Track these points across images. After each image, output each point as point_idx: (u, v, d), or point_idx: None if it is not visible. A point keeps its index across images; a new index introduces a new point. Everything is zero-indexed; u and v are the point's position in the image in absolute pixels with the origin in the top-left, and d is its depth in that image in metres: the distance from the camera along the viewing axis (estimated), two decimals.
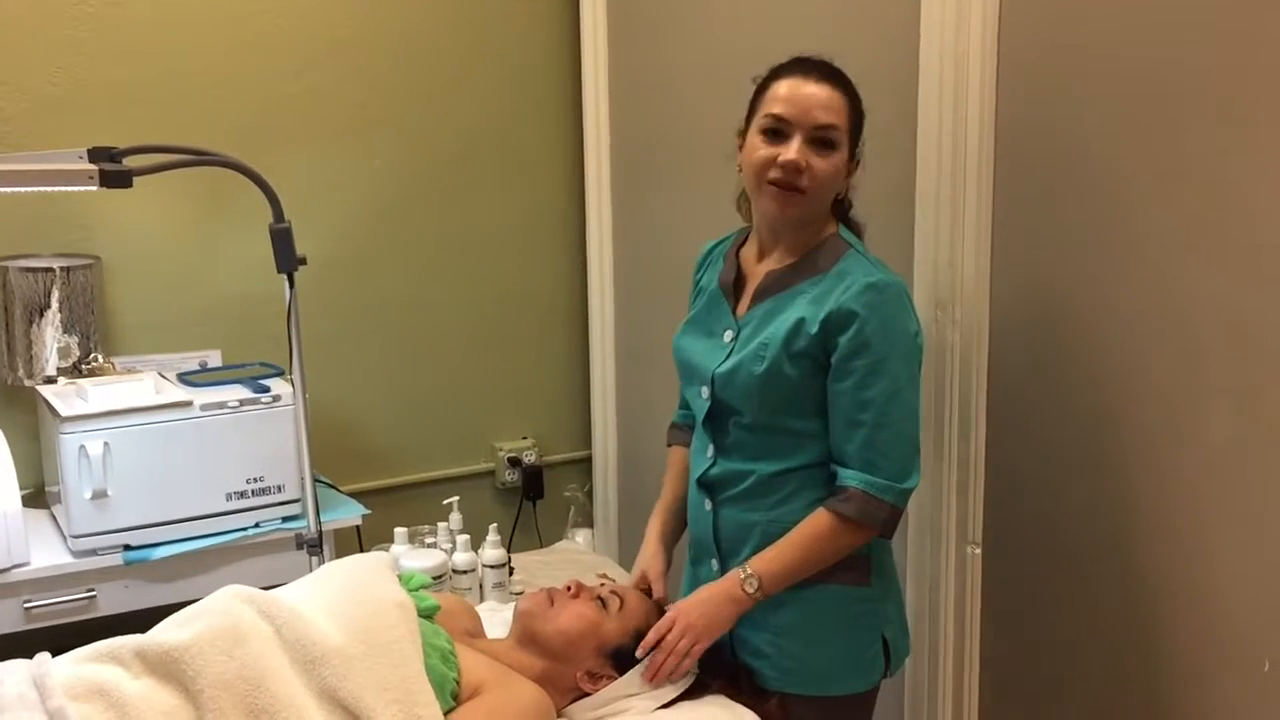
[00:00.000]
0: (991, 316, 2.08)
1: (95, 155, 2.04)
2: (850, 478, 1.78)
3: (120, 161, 2.05)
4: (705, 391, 1.92)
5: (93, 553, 2.43)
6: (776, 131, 1.81)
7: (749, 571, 1.81)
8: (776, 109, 1.81)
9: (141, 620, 2.34)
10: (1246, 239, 1.69)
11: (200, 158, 2.05)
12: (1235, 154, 1.69)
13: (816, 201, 1.84)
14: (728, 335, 1.92)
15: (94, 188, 1.92)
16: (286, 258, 2.13)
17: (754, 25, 2.63)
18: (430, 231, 3.23)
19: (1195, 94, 1.73)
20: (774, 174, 1.81)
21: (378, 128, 3.12)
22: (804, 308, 1.81)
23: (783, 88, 1.82)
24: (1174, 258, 1.79)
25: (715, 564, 1.95)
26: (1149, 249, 1.82)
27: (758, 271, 1.94)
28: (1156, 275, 1.82)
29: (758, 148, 1.83)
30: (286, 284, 2.15)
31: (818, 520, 1.80)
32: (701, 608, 1.82)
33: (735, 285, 1.96)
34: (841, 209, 1.94)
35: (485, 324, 3.33)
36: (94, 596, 2.45)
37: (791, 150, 1.79)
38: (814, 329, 1.78)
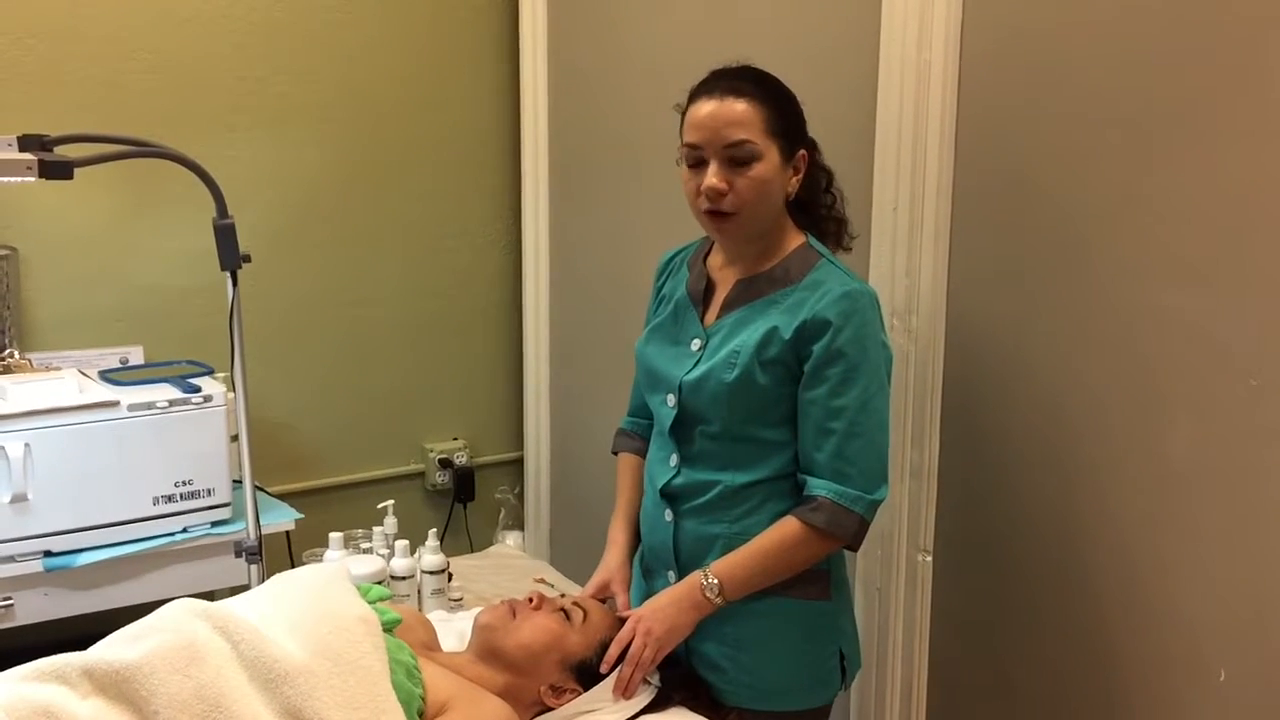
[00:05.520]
0: (948, 327, 2.09)
1: (26, 143, 1.94)
2: (819, 487, 1.77)
3: (52, 150, 1.95)
4: (671, 399, 1.90)
5: (10, 559, 2.32)
6: (697, 160, 1.81)
7: (711, 577, 1.79)
8: (689, 137, 1.81)
9: (61, 630, 2.26)
10: (1204, 253, 1.72)
11: (142, 149, 1.96)
12: (1193, 171, 1.72)
13: (752, 217, 1.81)
14: (695, 344, 1.90)
15: (31, 178, 1.82)
16: (230, 255, 2.05)
17: (704, 30, 2.61)
18: (362, 228, 3.15)
19: (1155, 110, 1.76)
20: (703, 203, 1.81)
21: (307, 119, 3.03)
22: (777, 317, 1.80)
23: (693, 113, 1.81)
24: (1132, 270, 1.82)
25: (672, 576, 1.92)
26: (1107, 261, 1.85)
27: (726, 281, 1.91)
28: (1114, 288, 1.84)
29: (686, 179, 1.84)
30: (230, 282, 2.06)
31: (785, 528, 1.78)
32: (662, 613, 1.80)
33: (704, 294, 1.94)
34: (809, 212, 1.91)
35: (417, 322, 3.27)
36: (10, 605, 2.34)
37: (710, 176, 1.78)
38: (787, 336, 1.77)
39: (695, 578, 1.80)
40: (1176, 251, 1.76)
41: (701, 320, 1.92)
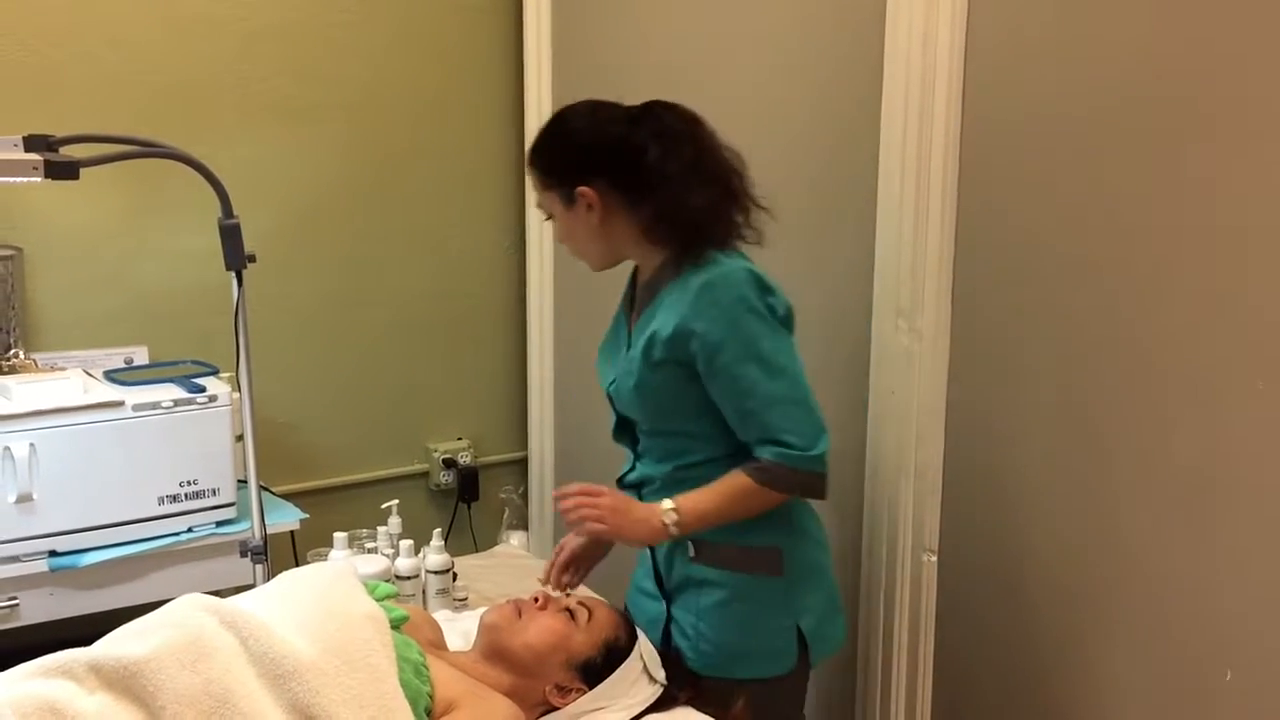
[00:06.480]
0: (953, 325, 2.10)
1: (32, 144, 1.95)
2: (765, 452, 1.83)
3: (57, 150, 1.96)
4: (611, 405, 2.03)
5: (15, 559, 2.32)
6: None
7: (670, 506, 1.86)
8: None
9: (66, 630, 2.26)
10: (1211, 253, 1.72)
11: (148, 149, 1.97)
12: (1201, 171, 1.72)
13: (585, 255, 1.99)
14: (624, 350, 1.99)
15: (37, 179, 1.82)
16: (235, 255, 2.05)
17: (707, 33, 2.61)
18: (368, 229, 3.15)
19: (1161, 109, 1.76)
20: None
21: (311, 121, 3.03)
22: (659, 319, 1.87)
23: None
24: (1138, 269, 1.82)
25: (648, 553, 2.05)
26: (1113, 260, 1.85)
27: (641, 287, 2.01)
28: (1120, 287, 1.84)
29: None
30: (235, 282, 2.07)
31: (738, 479, 1.84)
32: (629, 514, 1.87)
33: (632, 302, 2.03)
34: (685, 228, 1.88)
35: (421, 322, 3.27)
36: (16, 605, 2.34)
37: None
38: (666, 336, 1.84)
39: (659, 506, 1.87)
40: (1183, 251, 1.75)
41: (630, 327, 2.00)
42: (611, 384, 1.98)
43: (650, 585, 2.04)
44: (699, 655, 1.94)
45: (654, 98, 2.78)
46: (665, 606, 1.99)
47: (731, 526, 1.87)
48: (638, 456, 2.01)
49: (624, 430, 2.02)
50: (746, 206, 1.89)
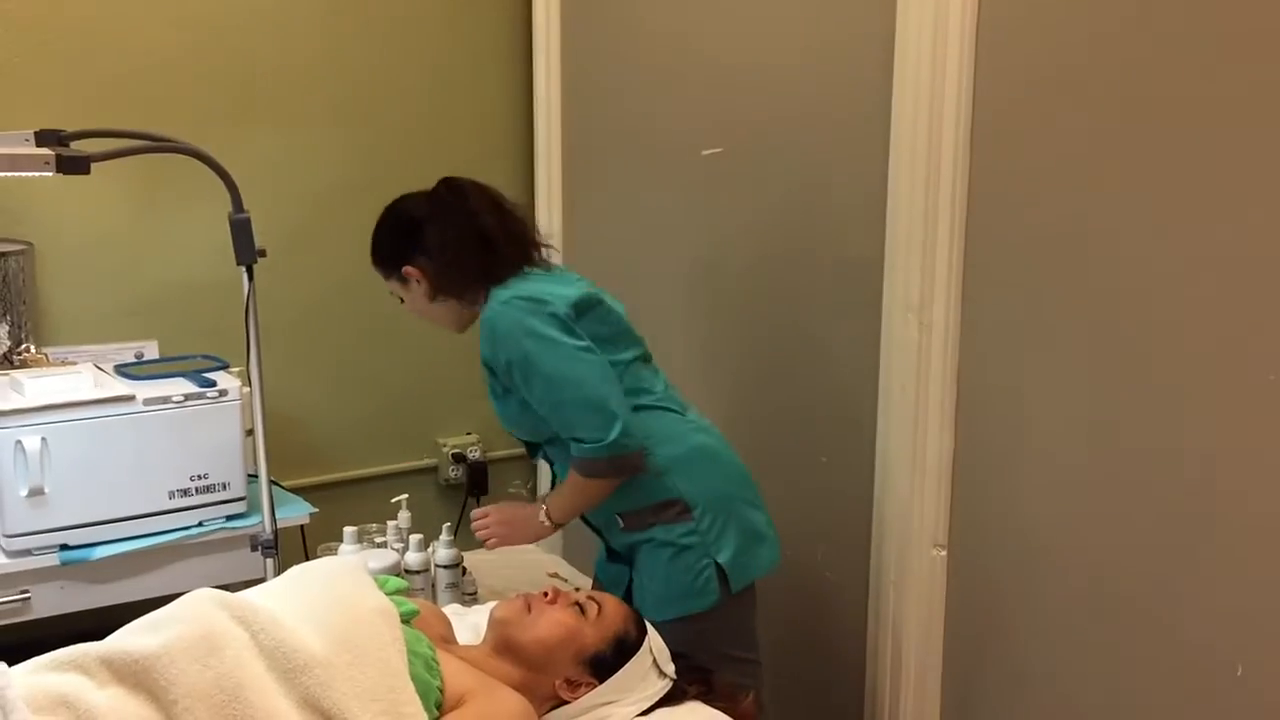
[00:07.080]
0: (963, 319, 2.09)
1: (43, 138, 1.95)
2: (572, 449, 2.07)
3: (69, 145, 1.96)
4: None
5: (27, 553, 2.33)
6: None
7: (543, 505, 2.16)
8: None
9: (77, 623, 2.27)
10: (1222, 246, 1.71)
11: (159, 144, 1.97)
12: (1211, 162, 1.72)
13: (438, 322, 2.28)
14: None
15: (49, 173, 1.83)
16: (246, 250, 2.07)
17: (715, 25, 2.61)
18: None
19: (1169, 106, 1.76)
20: None
21: (320, 115, 3.04)
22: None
23: None
24: (1148, 264, 1.81)
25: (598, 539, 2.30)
26: (1123, 255, 1.84)
27: None
28: (1131, 281, 1.84)
29: None
30: (245, 276, 2.08)
31: (572, 474, 2.11)
32: (514, 523, 2.22)
33: None
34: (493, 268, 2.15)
35: None
36: (28, 598, 2.35)
37: None
38: (486, 370, 2.12)
39: (536, 508, 2.18)
40: (1194, 242, 1.75)
41: None
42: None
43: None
44: (642, 603, 2.11)
45: (660, 90, 2.79)
46: (629, 569, 2.19)
47: (636, 493, 2.10)
48: (553, 463, 2.24)
49: (534, 448, 2.27)
50: (536, 244, 2.21)
